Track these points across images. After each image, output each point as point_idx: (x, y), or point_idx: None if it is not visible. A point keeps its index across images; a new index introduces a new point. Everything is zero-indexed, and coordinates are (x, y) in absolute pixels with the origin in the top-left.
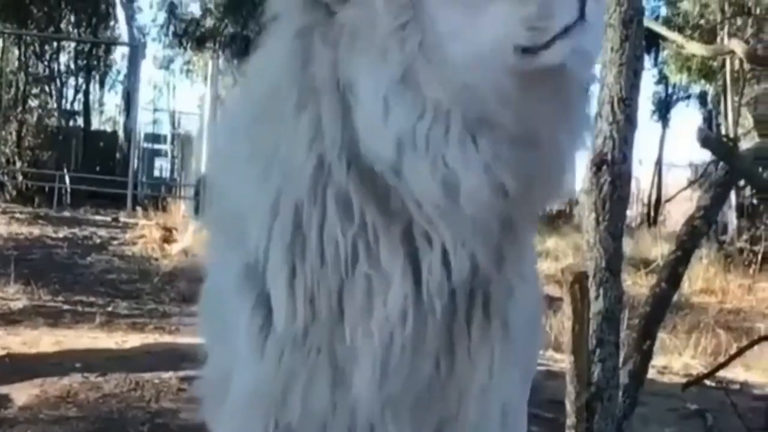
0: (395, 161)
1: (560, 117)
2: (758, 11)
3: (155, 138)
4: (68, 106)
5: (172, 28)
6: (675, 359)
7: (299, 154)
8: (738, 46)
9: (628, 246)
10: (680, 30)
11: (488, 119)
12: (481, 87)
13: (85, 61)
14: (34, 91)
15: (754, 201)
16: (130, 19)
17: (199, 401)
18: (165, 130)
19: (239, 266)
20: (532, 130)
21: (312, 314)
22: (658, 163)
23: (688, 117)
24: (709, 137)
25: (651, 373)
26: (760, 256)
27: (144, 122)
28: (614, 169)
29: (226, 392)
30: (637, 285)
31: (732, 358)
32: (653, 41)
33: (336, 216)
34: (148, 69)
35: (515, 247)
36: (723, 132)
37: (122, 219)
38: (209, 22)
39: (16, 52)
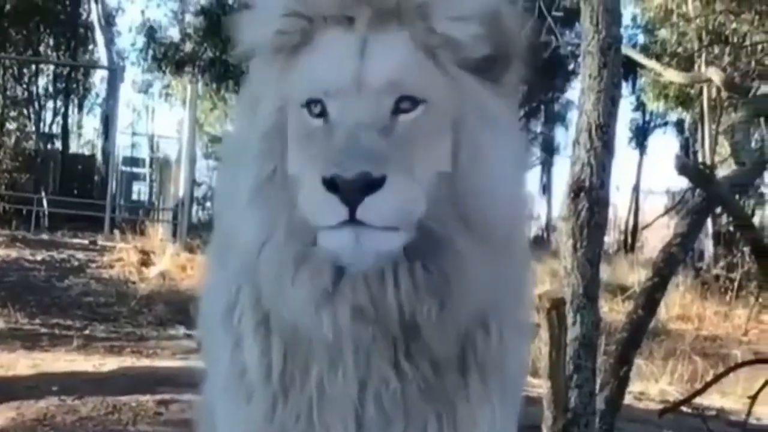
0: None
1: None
2: (735, 40)
3: (134, 161)
4: (46, 129)
5: (151, 52)
6: (652, 385)
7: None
8: (715, 74)
9: (605, 272)
10: (658, 58)
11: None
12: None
13: (63, 84)
14: (13, 113)
15: (731, 228)
16: (109, 42)
17: (192, 425)
18: (143, 153)
19: (224, 300)
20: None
21: (285, 374)
22: (636, 190)
23: (665, 144)
24: (687, 164)
25: (628, 399)
26: (736, 284)
27: (122, 146)
28: (592, 195)
29: (214, 425)
30: (614, 311)
31: (708, 384)
32: (631, 69)
33: None
34: (126, 92)
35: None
36: (700, 159)
37: (100, 242)
38: (188, 47)
39: None
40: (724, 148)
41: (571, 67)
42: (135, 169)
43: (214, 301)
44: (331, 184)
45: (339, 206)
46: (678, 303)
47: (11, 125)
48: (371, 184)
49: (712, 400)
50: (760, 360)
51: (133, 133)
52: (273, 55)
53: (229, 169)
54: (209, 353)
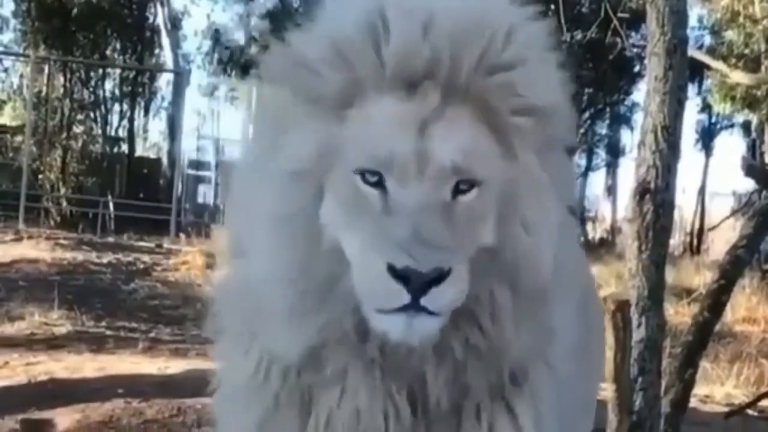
0: None
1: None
2: None
3: (199, 165)
4: (113, 133)
5: (216, 55)
6: (717, 388)
7: None
8: None
9: (670, 275)
10: (724, 59)
11: None
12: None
13: (130, 88)
14: (79, 117)
15: None
16: (175, 46)
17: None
18: (209, 156)
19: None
20: None
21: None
22: (701, 192)
23: (731, 146)
24: (753, 166)
25: (693, 402)
26: None
27: (188, 149)
28: (657, 197)
29: None
30: (680, 314)
31: None
32: (697, 70)
33: None
34: (192, 96)
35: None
36: (767, 161)
37: (165, 245)
38: (253, 50)
39: (62, 78)
40: None
41: (636, 68)
42: (200, 172)
43: (225, 304)
44: (402, 275)
45: (404, 295)
46: (744, 305)
47: (78, 129)
48: (441, 277)
49: None
50: None
51: (199, 137)
52: (316, 102)
53: (248, 183)
54: (221, 358)
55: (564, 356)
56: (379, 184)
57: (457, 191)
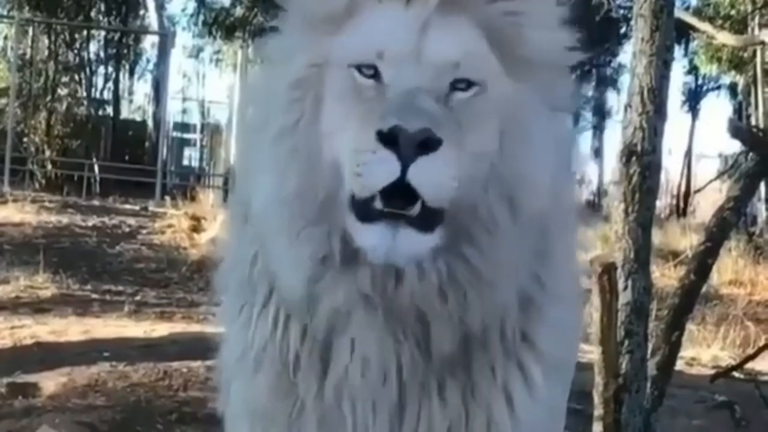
0: None
1: None
2: None
3: (184, 127)
4: (98, 95)
5: (201, 17)
6: (703, 351)
7: None
8: None
9: (656, 237)
10: (711, 20)
11: None
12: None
13: (114, 50)
14: (64, 79)
15: None
16: (159, 8)
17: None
18: (194, 119)
19: (241, 267)
20: None
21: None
22: (688, 154)
23: (718, 108)
24: (740, 128)
25: (679, 365)
26: None
27: (173, 111)
28: (643, 159)
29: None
30: (666, 276)
31: (761, 349)
32: (683, 32)
33: None
34: (177, 58)
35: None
36: (753, 122)
37: (151, 208)
38: (239, 11)
39: (46, 40)
40: None
41: (623, 30)
42: (186, 135)
43: (231, 266)
44: (389, 137)
45: (393, 163)
46: (730, 268)
47: (63, 91)
48: (429, 143)
49: (764, 365)
50: None
51: (184, 99)
52: (317, 21)
53: (255, 117)
54: (226, 319)
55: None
56: (375, 77)
57: (454, 88)
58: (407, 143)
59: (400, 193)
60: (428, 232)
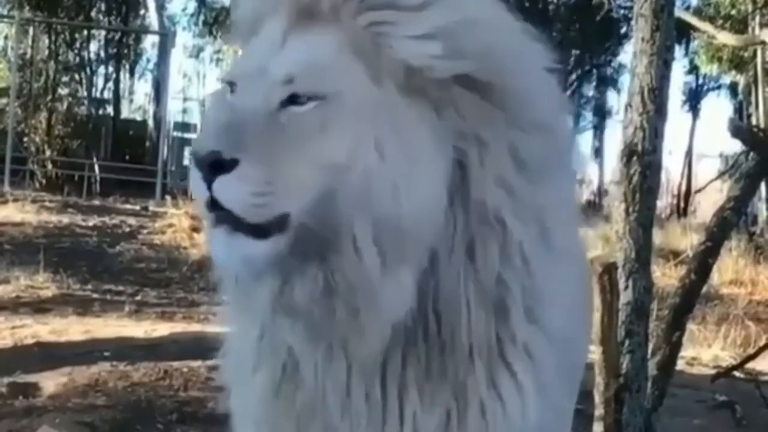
0: None
1: None
2: None
3: (185, 127)
4: (98, 95)
5: (202, 17)
6: (704, 351)
7: None
8: None
9: (657, 237)
10: (711, 20)
11: None
12: None
13: (115, 50)
14: (64, 79)
15: None
16: (160, 7)
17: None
18: (195, 119)
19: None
20: None
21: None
22: (689, 154)
23: (718, 107)
24: (740, 127)
25: (680, 365)
26: None
27: (174, 111)
28: (644, 159)
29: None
30: (667, 276)
31: (761, 349)
32: (684, 31)
33: None
34: (178, 58)
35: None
36: (754, 122)
37: (151, 208)
38: None
39: (47, 40)
40: None
41: (623, 30)
42: (186, 135)
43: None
44: (194, 159)
45: (200, 180)
46: (731, 268)
47: (63, 91)
48: (220, 165)
49: (765, 364)
50: None
51: (185, 99)
52: (238, 38)
53: None
54: (229, 317)
55: (561, 310)
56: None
57: (291, 102)
58: (200, 165)
59: (216, 207)
60: (261, 239)
